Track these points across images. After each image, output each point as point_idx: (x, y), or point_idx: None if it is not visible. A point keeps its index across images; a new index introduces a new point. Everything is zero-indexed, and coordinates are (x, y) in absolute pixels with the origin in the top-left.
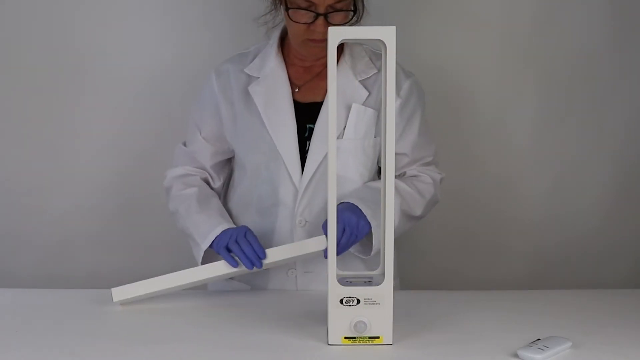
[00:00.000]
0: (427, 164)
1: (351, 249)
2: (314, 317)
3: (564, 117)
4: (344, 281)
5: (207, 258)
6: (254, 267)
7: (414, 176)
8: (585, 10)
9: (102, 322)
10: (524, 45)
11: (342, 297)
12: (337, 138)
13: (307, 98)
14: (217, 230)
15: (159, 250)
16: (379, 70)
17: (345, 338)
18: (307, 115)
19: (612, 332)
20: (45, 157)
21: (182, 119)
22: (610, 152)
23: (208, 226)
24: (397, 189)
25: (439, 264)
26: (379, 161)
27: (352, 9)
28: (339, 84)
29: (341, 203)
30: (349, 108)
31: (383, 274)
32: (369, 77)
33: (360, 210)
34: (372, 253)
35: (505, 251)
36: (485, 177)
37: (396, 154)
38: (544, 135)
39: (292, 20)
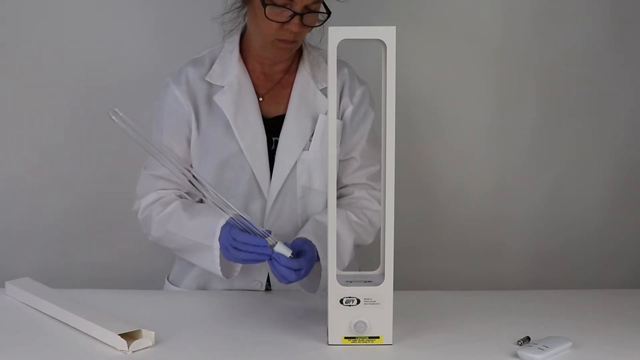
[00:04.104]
0: (376, 174)
1: (297, 283)
2: (314, 317)
3: (564, 118)
4: (344, 281)
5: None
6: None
7: (364, 200)
8: (585, 10)
9: None
10: (523, 45)
11: (342, 297)
12: (303, 150)
13: (271, 111)
14: (222, 221)
15: (159, 250)
16: (338, 78)
17: (345, 338)
18: (271, 127)
19: (612, 332)
20: (46, 157)
21: None
22: (610, 153)
23: (210, 224)
24: (350, 223)
25: (438, 264)
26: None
27: (325, 11)
28: (301, 93)
29: (298, 238)
30: (314, 119)
31: (383, 274)
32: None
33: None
34: (318, 290)
35: (505, 251)
36: (485, 178)
37: (347, 158)
38: (544, 136)
39: (268, 18)
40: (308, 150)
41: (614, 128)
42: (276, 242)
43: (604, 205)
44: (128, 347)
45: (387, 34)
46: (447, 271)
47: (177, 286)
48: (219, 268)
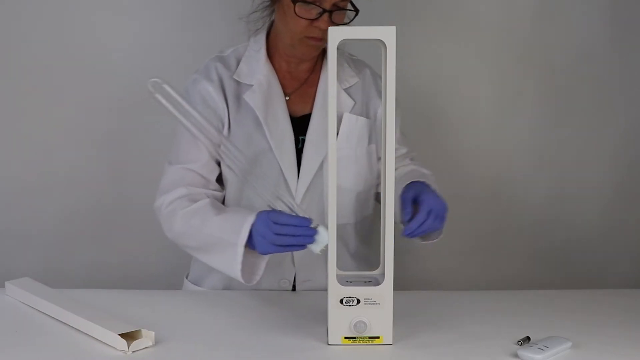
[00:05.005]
0: (416, 158)
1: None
2: (314, 317)
3: (564, 118)
4: (344, 281)
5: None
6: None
7: (414, 166)
8: (585, 10)
9: None
10: (523, 45)
11: (342, 297)
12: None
13: (297, 110)
14: (251, 219)
15: (159, 250)
16: (360, 78)
17: (345, 338)
18: (298, 126)
19: (612, 332)
20: (45, 157)
21: None
22: (610, 153)
23: (237, 219)
24: (422, 173)
25: (439, 264)
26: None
27: (353, 9)
28: (326, 92)
29: (409, 184)
30: (338, 117)
31: (383, 274)
32: (352, 86)
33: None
34: (440, 237)
35: (505, 251)
36: (485, 178)
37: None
38: (544, 135)
39: (297, 15)
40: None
41: (614, 128)
42: (318, 224)
43: (604, 205)
44: (128, 347)
45: (387, 34)
46: (447, 271)
47: (198, 285)
48: (239, 268)
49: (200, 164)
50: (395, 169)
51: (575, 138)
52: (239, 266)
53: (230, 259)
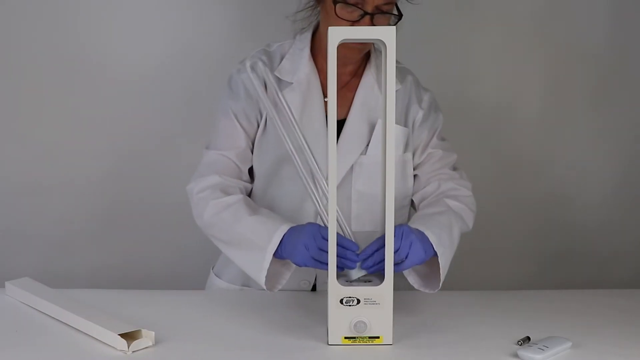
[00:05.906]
0: (456, 163)
1: (413, 282)
2: (314, 317)
3: (565, 116)
4: (344, 281)
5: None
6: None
7: (453, 191)
8: (588, 8)
9: None
10: (526, 44)
11: (342, 297)
12: (361, 154)
13: None
14: (285, 228)
15: (159, 250)
16: (402, 85)
17: (345, 338)
18: None
19: (612, 332)
20: (45, 157)
21: (183, 118)
22: (612, 152)
23: (271, 225)
24: (453, 210)
25: None
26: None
27: (397, 13)
28: (364, 98)
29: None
30: (372, 123)
31: (383, 274)
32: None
33: (426, 236)
34: (440, 285)
35: (505, 251)
36: (485, 177)
37: (425, 155)
38: (545, 134)
39: (338, 16)
40: (365, 154)
41: (617, 127)
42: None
43: (604, 205)
44: (128, 347)
45: (387, 34)
46: (447, 271)
47: (219, 277)
48: (264, 274)
49: (236, 152)
50: (430, 178)
51: (577, 137)
52: (264, 272)
53: (256, 263)
